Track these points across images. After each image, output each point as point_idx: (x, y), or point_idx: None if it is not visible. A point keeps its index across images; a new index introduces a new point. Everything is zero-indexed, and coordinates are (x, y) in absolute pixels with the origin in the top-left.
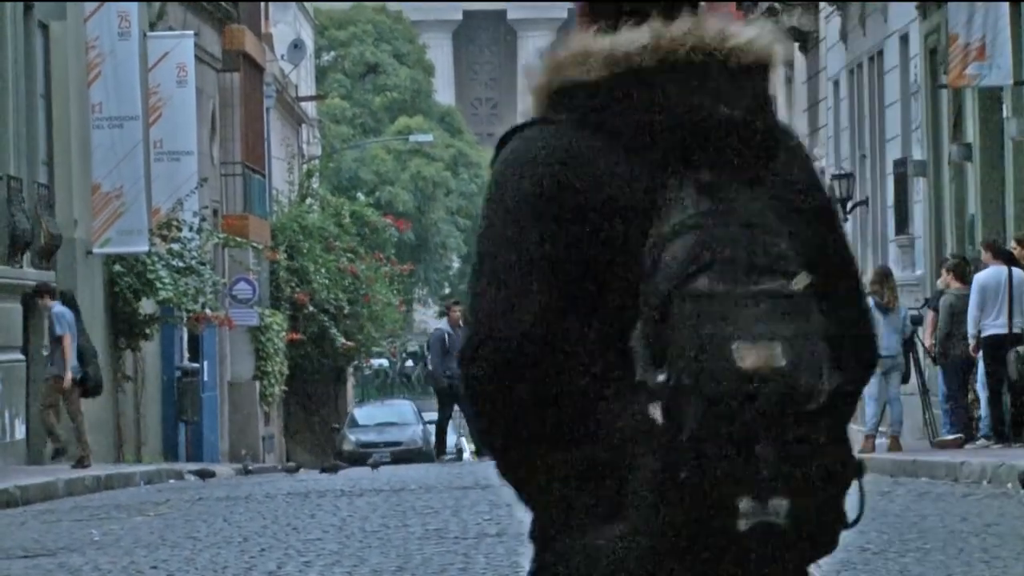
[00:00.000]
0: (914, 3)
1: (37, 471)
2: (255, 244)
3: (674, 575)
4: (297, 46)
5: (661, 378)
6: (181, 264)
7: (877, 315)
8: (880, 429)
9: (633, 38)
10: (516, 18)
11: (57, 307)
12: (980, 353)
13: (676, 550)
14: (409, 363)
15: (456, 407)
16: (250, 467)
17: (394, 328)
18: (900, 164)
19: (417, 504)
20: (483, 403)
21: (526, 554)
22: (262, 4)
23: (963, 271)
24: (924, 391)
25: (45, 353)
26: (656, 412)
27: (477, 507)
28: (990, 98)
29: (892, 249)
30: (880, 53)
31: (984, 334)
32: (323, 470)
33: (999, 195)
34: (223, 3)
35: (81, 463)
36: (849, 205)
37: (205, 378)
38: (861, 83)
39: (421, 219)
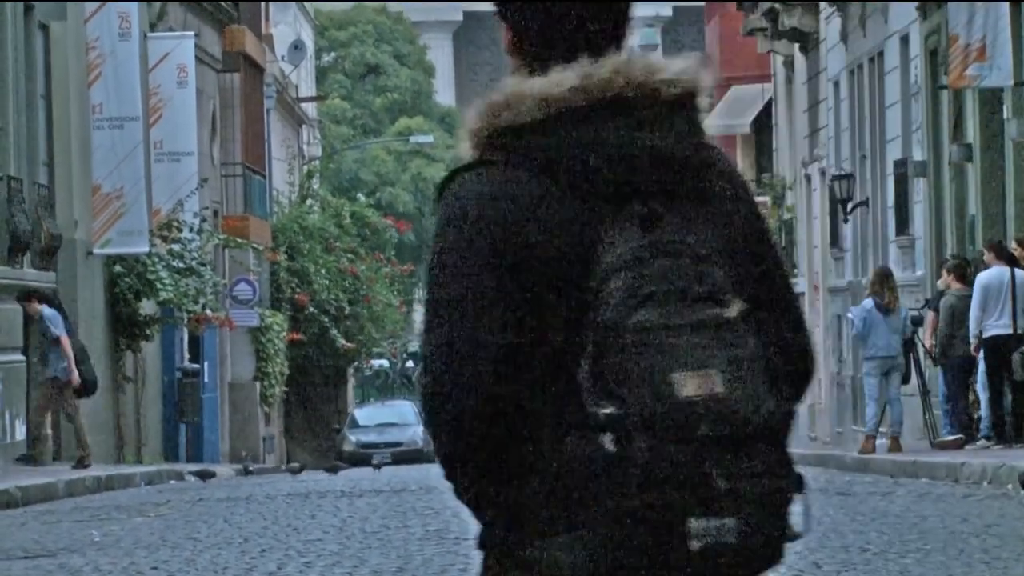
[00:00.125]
0: (914, 4)
1: (37, 472)
2: (255, 245)
3: None
4: (297, 47)
5: (608, 410)
6: (181, 265)
7: (878, 316)
8: (880, 430)
9: (562, 79)
10: None
11: (47, 310)
12: (981, 353)
13: (631, 571)
14: (410, 364)
15: None
16: (251, 468)
17: (394, 329)
18: (900, 165)
19: (418, 505)
20: (442, 443)
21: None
22: (262, 5)
23: (963, 272)
24: (924, 392)
25: (34, 360)
26: (607, 442)
27: None
28: (990, 99)
29: (892, 250)
30: (880, 54)
31: (986, 334)
32: (326, 470)
33: (999, 196)
34: (223, 4)
35: (81, 463)
36: (849, 206)
37: (205, 379)
38: (861, 84)
39: (422, 220)
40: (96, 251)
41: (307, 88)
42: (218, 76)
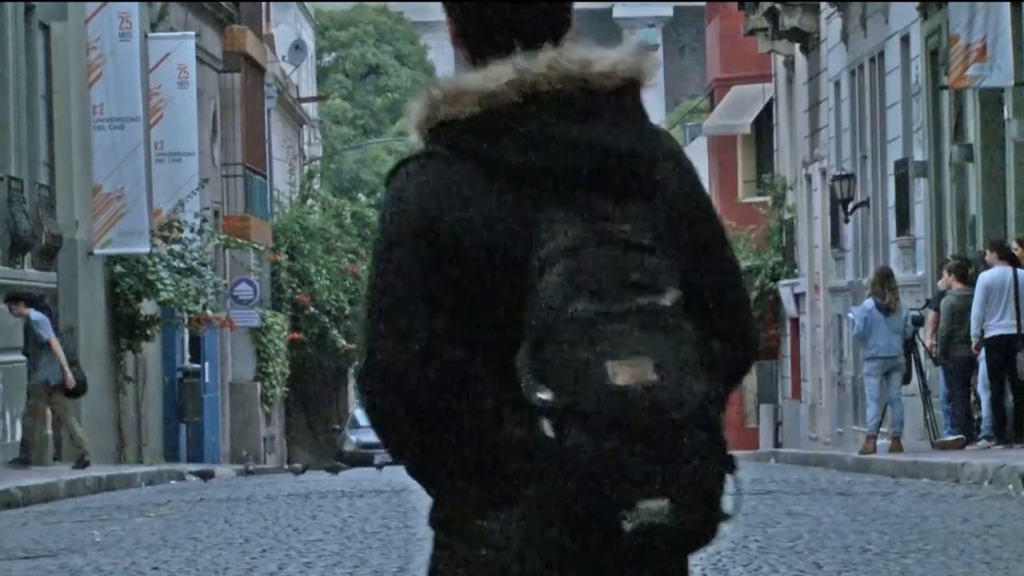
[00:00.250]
0: (915, 4)
1: (38, 472)
2: (256, 245)
3: (561, 571)
4: (298, 47)
5: (545, 396)
6: (182, 265)
7: (878, 316)
8: (881, 430)
9: (499, 74)
10: None
11: (35, 313)
12: (982, 353)
13: (567, 552)
14: None
15: None
16: (251, 468)
17: None
18: (901, 165)
19: (418, 505)
20: (379, 427)
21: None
22: (263, 5)
23: (964, 272)
24: (925, 392)
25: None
26: (546, 428)
27: None
28: (991, 99)
29: (893, 250)
30: (881, 54)
31: (988, 334)
32: (327, 470)
33: (1000, 196)
34: (224, 4)
35: (81, 460)
36: (850, 206)
37: (206, 379)
38: (862, 84)
39: None
40: (97, 251)
41: (308, 88)
42: (219, 76)
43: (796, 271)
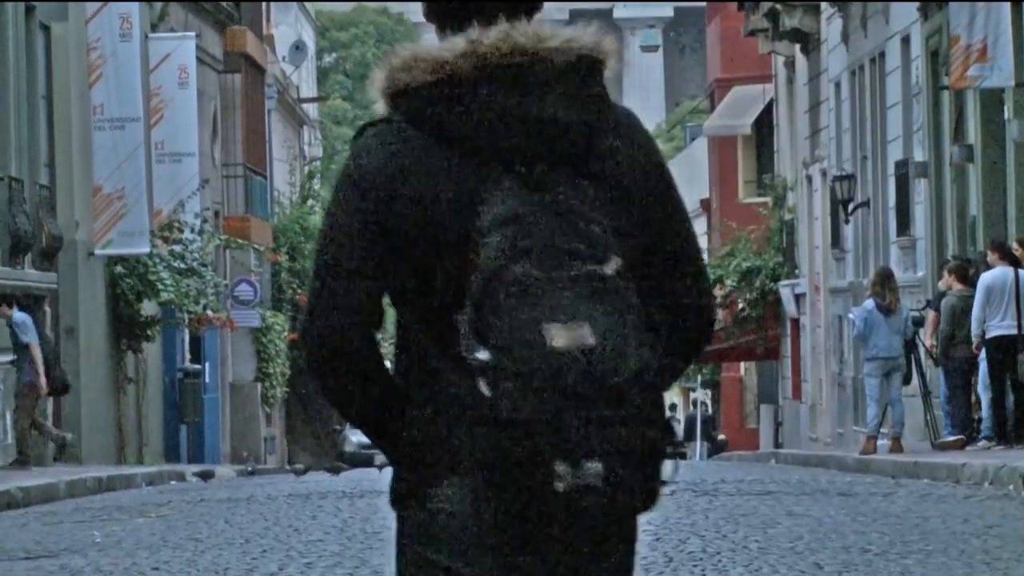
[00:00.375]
0: (915, 4)
1: (38, 473)
2: (257, 245)
3: (505, 532)
4: (298, 47)
5: (483, 356)
6: (183, 266)
7: (879, 316)
8: (881, 430)
9: (452, 45)
10: None
11: (18, 315)
12: (982, 354)
13: (504, 510)
14: None
15: None
16: (252, 468)
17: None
18: (901, 165)
19: None
20: (320, 383)
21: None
22: (263, 5)
23: (965, 272)
24: (925, 392)
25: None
26: (483, 386)
27: None
28: (991, 100)
29: (893, 250)
30: (881, 54)
31: (989, 335)
32: (327, 471)
33: (1000, 196)
34: (224, 4)
35: (63, 445)
36: (851, 207)
37: (207, 379)
38: (863, 84)
39: None
40: (97, 252)
41: (308, 89)
42: (219, 77)
43: (796, 272)
